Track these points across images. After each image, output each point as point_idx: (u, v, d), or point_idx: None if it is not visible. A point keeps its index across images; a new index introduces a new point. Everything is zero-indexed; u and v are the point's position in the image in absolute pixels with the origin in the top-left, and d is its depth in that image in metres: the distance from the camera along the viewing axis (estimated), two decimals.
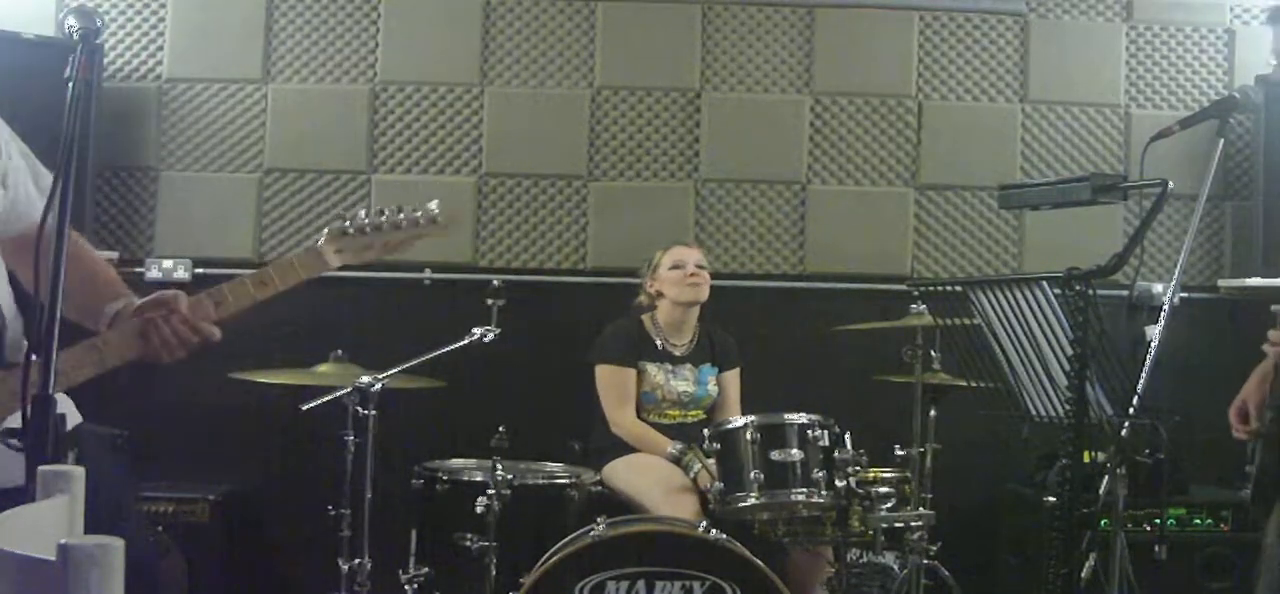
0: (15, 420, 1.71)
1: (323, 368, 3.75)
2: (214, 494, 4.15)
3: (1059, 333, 2.45)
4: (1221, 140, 3.27)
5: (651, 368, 4.03)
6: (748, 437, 3.35)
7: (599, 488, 3.80)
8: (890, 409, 3.89)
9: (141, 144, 4.59)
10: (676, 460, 3.83)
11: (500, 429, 3.39)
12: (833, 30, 4.67)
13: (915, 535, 3.52)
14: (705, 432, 3.52)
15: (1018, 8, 4.71)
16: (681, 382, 4.04)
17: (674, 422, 4.03)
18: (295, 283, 2.41)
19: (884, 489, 3.40)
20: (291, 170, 4.61)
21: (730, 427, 3.45)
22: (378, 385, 3.59)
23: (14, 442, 1.69)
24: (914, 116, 4.69)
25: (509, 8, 4.65)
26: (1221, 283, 4.63)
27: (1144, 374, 3.13)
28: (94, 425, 2.29)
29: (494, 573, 3.37)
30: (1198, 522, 4.08)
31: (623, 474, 3.85)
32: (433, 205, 2.53)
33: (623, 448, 3.94)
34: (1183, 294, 3.71)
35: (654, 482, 3.73)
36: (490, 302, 3.66)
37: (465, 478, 3.60)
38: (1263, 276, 4.29)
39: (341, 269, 2.48)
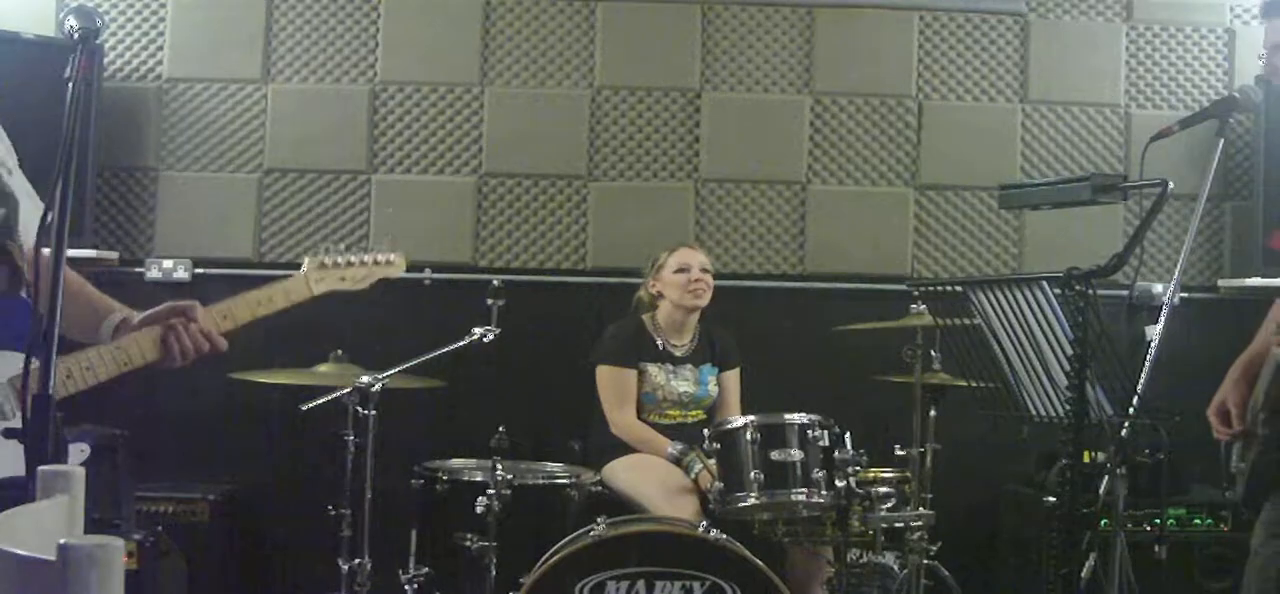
0: (14, 422, 1.72)
1: (323, 368, 3.75)
2: (214, 494, 4.15)
3: (1059, 333, 2.44)
4: (1221, 140, 3.27)
5: (652, 368, 4.03)
6: (748, 437, 3.35)
7: (599, 488, 3.80)
8: (890, 409, 3.90)
9: (141, 144, 4.59)
10: (677, 461, 3.83)
11: (500, 429, 3.39)
12: (833, 30, 4.67)
13: (915, 535, 3.53)
14: (705, 432, 3.52)
15: (1018, 8, 4.71)
16: (682, 382, 4.04)
17: (674, 422, 4.03)
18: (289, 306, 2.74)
19: (884, 489, 3.41)
20: (291, 170, 4.61)
21: (730, 427, 3.45)
22: (378, 385, 3.59)
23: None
24: (914, 116, 4.68)
25: (509, 8, 4.65)
26: (1221, 283, 4.64)
27: (1144, 374, 3.12)
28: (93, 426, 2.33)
29: (494, 573, 3.37)
30: (1198, 522, 4.08)
31: (623, 474, 3.85)
32: (394, 256, 3.06)
33: (623, 448, 3.93)
34: (1183, 294, 3.72)
35: (654, 482, 3.74)
36: (490, 301, 3.66)
37: (465, 478, 3.60)
38: (1263, 277, 4.29)
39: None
